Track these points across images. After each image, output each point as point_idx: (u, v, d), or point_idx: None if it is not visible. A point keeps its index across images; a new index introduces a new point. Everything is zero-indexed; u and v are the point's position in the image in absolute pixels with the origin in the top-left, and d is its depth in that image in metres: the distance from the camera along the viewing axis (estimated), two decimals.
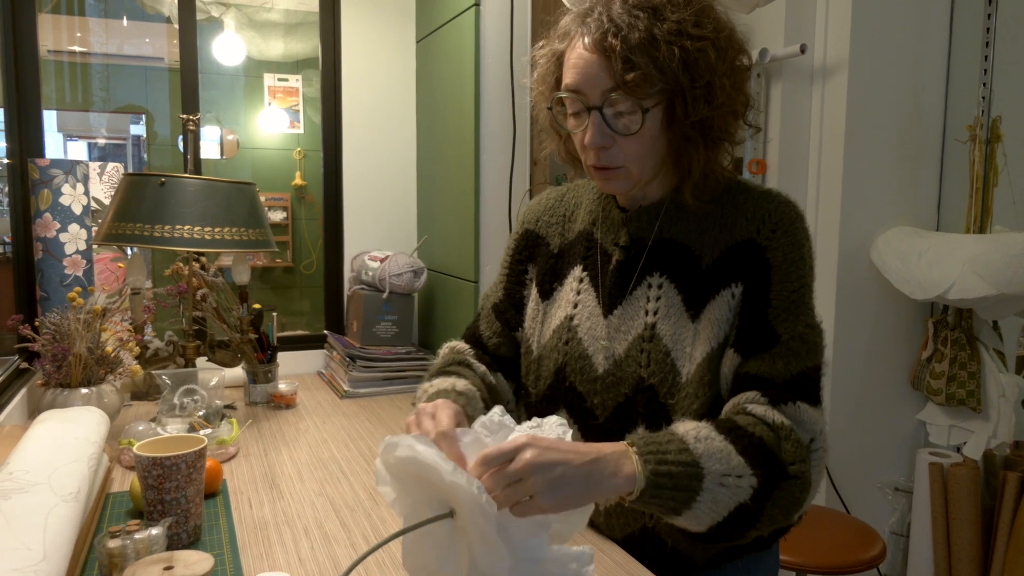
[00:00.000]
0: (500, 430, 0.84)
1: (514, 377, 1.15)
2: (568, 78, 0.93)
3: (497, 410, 0.86)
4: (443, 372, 1.08)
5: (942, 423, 2.11)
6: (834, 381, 2.06)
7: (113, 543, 0.93)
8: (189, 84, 2.14)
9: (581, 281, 1.06)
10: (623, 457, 0.81)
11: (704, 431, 0.85)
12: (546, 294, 1.10)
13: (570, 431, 0.86)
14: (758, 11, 1.95)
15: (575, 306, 1.05)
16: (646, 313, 0.99)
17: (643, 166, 0.95)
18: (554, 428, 0.86)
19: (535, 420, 0.87)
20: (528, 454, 0.76)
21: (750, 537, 0.88)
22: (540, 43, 1.02)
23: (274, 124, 4.74)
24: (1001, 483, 1.91)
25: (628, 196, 1.04)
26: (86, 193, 1.81)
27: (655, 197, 1.02)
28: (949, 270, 1.88)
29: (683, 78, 0.87)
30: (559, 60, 0.97)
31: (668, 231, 1.00)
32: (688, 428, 0.86)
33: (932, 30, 2.07)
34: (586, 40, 0.90)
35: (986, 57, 2.01)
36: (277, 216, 4.95)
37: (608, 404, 1.00)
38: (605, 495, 0.80)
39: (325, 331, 2.30)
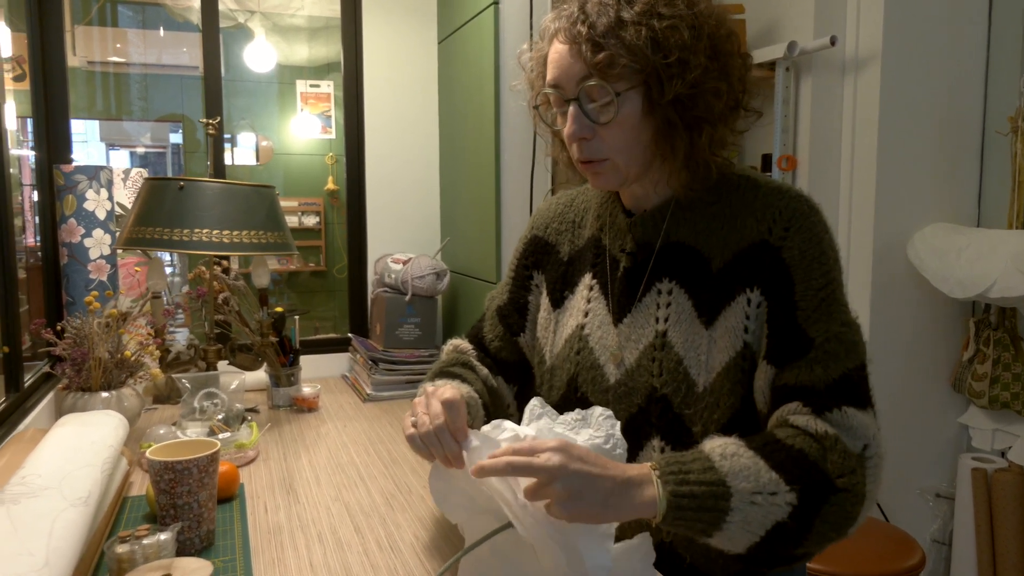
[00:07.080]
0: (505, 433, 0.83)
1: (514, 380, 1.14)
2: (549, 75, 0.93)
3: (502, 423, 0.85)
4: (446, 373, 1.07)
5: (985, 427, 2.03)
6: (871, 383, 1.99)
7: (122, 548, 0.93)
8: (212, 88, 2.15)
9: (591, 289, 1.03)
10: (645, 480, 0.77)
11: (732, 447, 0.81)
12: (557, 303, 1.08)
13: (618, 423, 0.83)
14: (787, 4, 1.90)
15: (586, 315, 1.02)
16: (656, 320, 0.95)
17: (629, 157, 0.92)
18: (600, 421, 0.83)
19: (579, 412, 0.85)
20: (556, 459, 0.74)
21: (800, 556, 0.83)
22: (525, 46, 1.02)
23: (307, 129, 4.79)
24: None
25: (630, 195, 1.00)
26: (110, 198, 1.83)
27: (660, 199, 0.98)
28: (990, 267, 1.81)
29: (654, 57, 0.85)
30: (544, 61, 0.96)
31: (675, 234, 0.96)
32: (715, 445, 0.82)
33: (970, 17, 1.99)
34: (560, 34, 0.91)
35: None
36: (310, 221, 4.99)
37: (621, 415, 0.96)
38: (625, 517, 0.77)
39: (350, 334, 2.29)
